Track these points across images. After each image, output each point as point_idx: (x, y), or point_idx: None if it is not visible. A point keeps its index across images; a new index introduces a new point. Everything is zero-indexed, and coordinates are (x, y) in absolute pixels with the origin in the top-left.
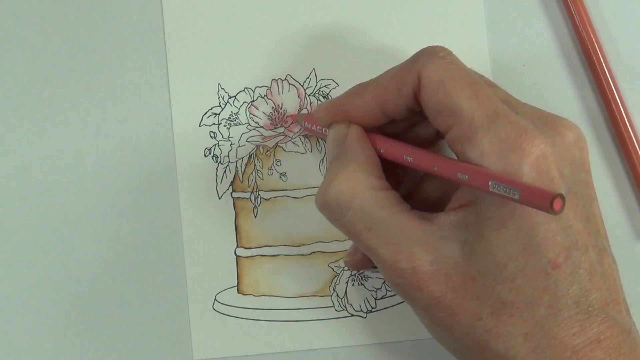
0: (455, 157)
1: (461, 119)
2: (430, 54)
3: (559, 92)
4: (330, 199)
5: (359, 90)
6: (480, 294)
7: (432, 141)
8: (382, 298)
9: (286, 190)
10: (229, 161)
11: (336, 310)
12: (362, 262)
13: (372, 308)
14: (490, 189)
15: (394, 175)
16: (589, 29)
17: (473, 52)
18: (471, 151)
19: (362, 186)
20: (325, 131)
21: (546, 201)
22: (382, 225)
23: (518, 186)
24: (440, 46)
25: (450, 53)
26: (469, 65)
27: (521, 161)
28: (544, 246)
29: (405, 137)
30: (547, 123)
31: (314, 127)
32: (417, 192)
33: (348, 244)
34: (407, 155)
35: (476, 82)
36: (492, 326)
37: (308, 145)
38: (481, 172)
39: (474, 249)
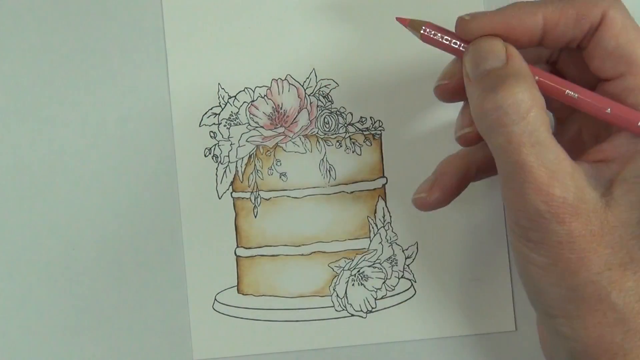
0: None
1: (637, 69)
2: None
3: None
4: (508, 102)
5: (527, 6)
6: (615, 244)
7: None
8: (382, 298)
9: (286, 190)
10: (229, 161)
11: (336, 310)
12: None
13: (372, 308)
14: None
15: None
16: None
17: None
18: None
19: (540, 101)
20: (461, 47)
21: None
22: (545, 146)
23: None
24: None
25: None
26: None
27: None
28: None
29: None
30: None
31: (444, 39)
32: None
33: (348, 244)
34: (572, 91)
35: None
36: (618, 278)
37: (308, 145)
38: None
39: (616, 201)
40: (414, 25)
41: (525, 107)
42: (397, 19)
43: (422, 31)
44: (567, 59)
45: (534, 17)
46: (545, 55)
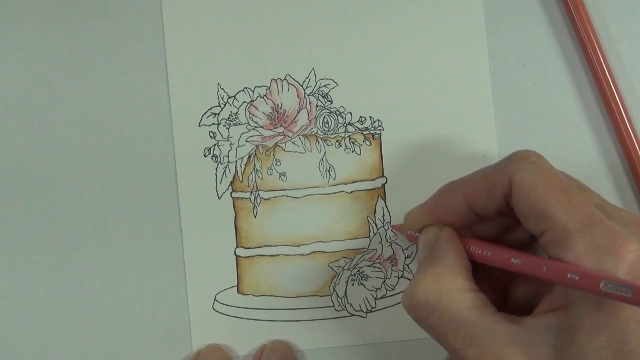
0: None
1: (555, 224)
2: (522, 159)
3: (559, 92)
4: (417, 299)
5: (448, 190)
6: None
7: (527, 244)
8: (381, 298)
9: (286, 190)
10: (229, 161)
11: (336, 310)
12: None
13: (372, 308)
14: (602, 288)
15: (484, 278)
16: (589, 29)
17: (472, 51)
18: (565, 255)
19: (449, 287)
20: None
21: None
22: (469, 326)
23: (632, 284)
24: (532, 151)
25: (541, 157)
26: (466, 65)
27: (616, 266)
28: (637, 353)
29: (500, 242)
30: None
31: (412, 234)
32: (505, 295)
33: (347, 244)
34: (515, 258)
35: (568, 186)
36: None
37: (307, 145)
38: (593, 272)
39: (564, 354)
40: (401, 228)
41: (434, 298)
42: (393, 226)
43: (406, 232)
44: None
45: (454, 199)
46: (508, 223)
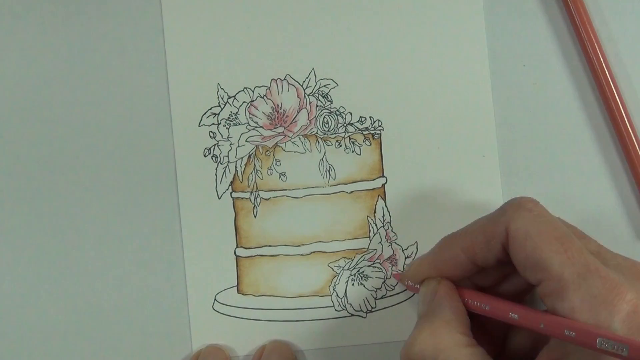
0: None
1: (550, 274)
2: (517, 207)
3: (559, 92)
4: (414, 355)
5: (448, 243)
6: None
7: (527, 291)
8: (381, 298)
9: (286, 190)
10: (229, 161)
11: (336, 310)
12: None
13: (372, 308)
14: (598, 346)
15: (482, 328)
16: (589, 29)
17: (472, 51)
18: (561, 307)
19: (446, 343)
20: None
21: None
22: None
23: (627, 342)
24: (528, 197)
25: (537, 205)
26: (466, 65)
27: (612, 317)
28: None
29: (496, 290)
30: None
31: (413, 285)
32: (503, 344)
33: (347, 244)
34: (512, 312)
35: (564, 235)
36: None
37: (307, 145)
38: (589, 329)
39: None
40: (401, 279)
41: (429, 354)
42: (393, 275)
43: (406, 282)
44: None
45: (452, 252)
46: (506, 272)
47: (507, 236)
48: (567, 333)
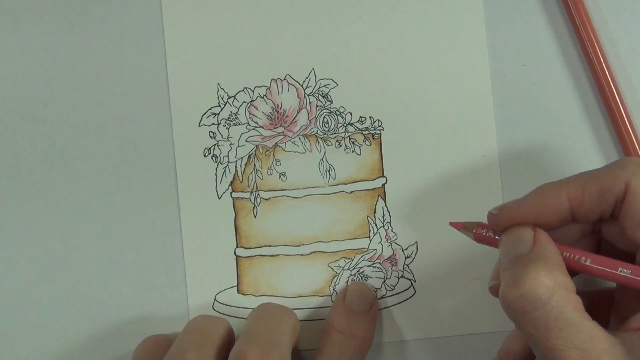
0: None
1: None
2: (638, 164)
3: (559, 92)
4: (527, 290)
5: (550, 189)
6: None
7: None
8: (381, 298)
9: (286, 190)
10: (229, 161)
11: None
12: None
13: None
14: None
15: None
16: (589, 29)
17: (472, 51)
18: None
19: (562, 284)
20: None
21: None
22: (574, 327)
23: None
24: None
25: None
26: (466, 64)
27: None
28: None
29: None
30: None
31: (488, 234)
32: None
33: (347, 244)
34: (622, 268)
35: None
36: None
37: (307, 145)
38: None
39: None
40: (466, 227)
41: (546, 292)
42: (451, 223)
43: (474, 231)
44: (610, 228)
45: (558, 200)
46: (587, 229)
47: (624, 191)
48: None
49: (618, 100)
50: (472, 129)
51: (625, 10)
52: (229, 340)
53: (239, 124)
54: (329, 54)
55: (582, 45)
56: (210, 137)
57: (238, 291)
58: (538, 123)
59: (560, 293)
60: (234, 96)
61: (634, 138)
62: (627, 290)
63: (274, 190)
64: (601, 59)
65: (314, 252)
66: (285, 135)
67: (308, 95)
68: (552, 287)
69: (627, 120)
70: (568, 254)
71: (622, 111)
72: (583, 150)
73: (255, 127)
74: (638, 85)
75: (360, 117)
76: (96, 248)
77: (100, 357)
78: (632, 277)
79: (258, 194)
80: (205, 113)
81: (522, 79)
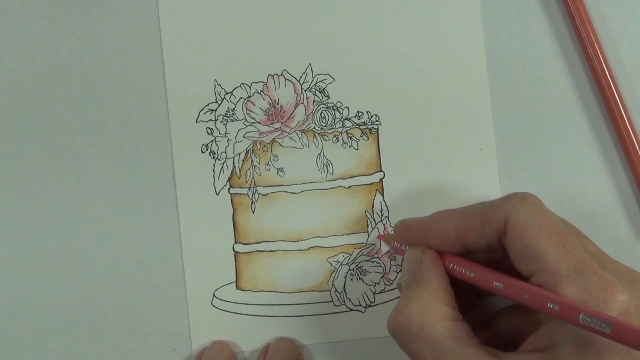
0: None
1: (546, 266)
2: (521, 199)
3: (559, 92)
4: (400, 324)
5: (442, 217)
6: None
7: None
8: (380, 292)
9: (284, 185)
10: (226, 157)
11: (335, 305)
12: None
13: (371, 302)
14: (581, 321)
15: (465, 302)
16: (589, 29)
17: (468, 47)
18: None
19: (433, 315)
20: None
21: (637, 338)
22: (450, 356)
23: (610, 320)
24: (531, 193)
25: (538, 200)
26: (463, 59)
27: None
28: None
29: None
30: (636, 283)
31: (401, 247)
32: (489, 327)
33: (346, 239)
34: (497, 281)
35: (563, 231)
36: None
37: (305, 140)
38: (573, 304)
39: None
40: (387, 239)
41: (415, 325)
42: (379, 236)
43: (392, 243)
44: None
45: (445, 228)
46: (494, 257)
47: (505, 225)
48: (551, 306)
49: (618, 100)
50: (469, 123)
51: (625, 10)
52: None
53: (236, 120)
54: (325, 50)
55: (582, 45)
56: (208, 133)
57: (237, 287)
58: (538, 123)
59: (432, 324)
60: (231, 92)
61: (633, 138)
62: (526, 311)
63: (272, 186)
64: (601, 59)
65: (312, 247)
66: (283, 131)
67: (305, 91)
68: (422, 319)
69: (627, 120)
70: (458, 267)
71: (622, 111)
72: (583, 151)
73: (253, 122)
74: (638, 85)
75: (358, 112)
76: (94, 245)
77: (99, 353)
78: (502, 289)
79: (256, 190)
80: (202, 109)
81: (521, 79)
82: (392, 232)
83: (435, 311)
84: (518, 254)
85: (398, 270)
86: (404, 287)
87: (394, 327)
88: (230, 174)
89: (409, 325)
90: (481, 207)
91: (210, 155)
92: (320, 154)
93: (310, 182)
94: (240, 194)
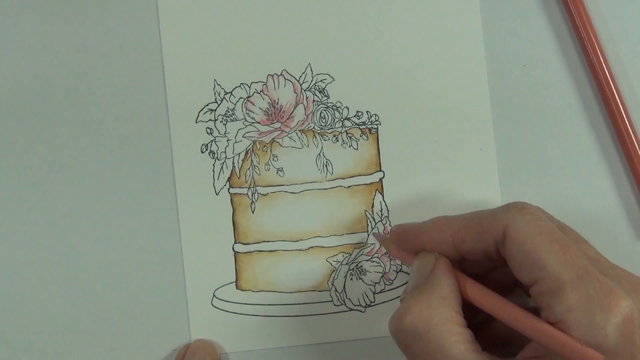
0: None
1: (548, 274)
2: (520, 209)
3: (559, 92)
4: (405, 325)
5: (439, 223)
6: None
7: (507, 289)
8: (380, 292)
9: (283, 185)
10: (226, 157)
11: (335, 304)
12: None
13: (371, 302)
14: None
15: (471, 310)
16: (589, 29)
17: (468, 50)
18: (558, 306)
19: (440, 318)
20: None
21: None
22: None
23: None
24: (530, 203)
25: (538, 209)
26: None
27: (607, 320)
28: None
29: (482, 281)
30: (637, 288)
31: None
32: (489, 328)
33: (345, 239)
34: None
35: (563, 239)
36: None
37: (305, 140)
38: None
39: None
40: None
41: (421, 327)
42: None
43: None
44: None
45: (441, 234)
46: (491, 266)
47: (503, 234)
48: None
49: (618, 100)
50: (469, 123)
51: (625, 10)
52: None
53: (236, 120)
54: (325, 49)
55: (582, 45)
56: (208, 133)
57: (237, 287)
58: (538, 123)
59: (438, 328)
60: (231, 92)
61: (633, 138)
62: None
63: (272, 186)
64: (601, 59)
65: (312, 247)
66: (282, 131)
67: (305, 91)
68: (428, 321)
69: (627, 120)
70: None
71: (622, 111)
72: (583, 151)
73: (252, 122)
74: (638, 85)
75: (357, 111)
76: (94, 244)
77: (99, 352)
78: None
79: (256, 190)
80: (202, 109)
81: (521, 79)
82: (389, 234)
83: (442, 315)
84: (519, 263)
85: (398, 270)
86: (411, 289)
87: (398, 327)
88: (230, 174)
89: (415, 326)
90: (480, 215)
91: (210, 155)
92: (319, 153)
93: (310, 182)
94: (240, 193)
